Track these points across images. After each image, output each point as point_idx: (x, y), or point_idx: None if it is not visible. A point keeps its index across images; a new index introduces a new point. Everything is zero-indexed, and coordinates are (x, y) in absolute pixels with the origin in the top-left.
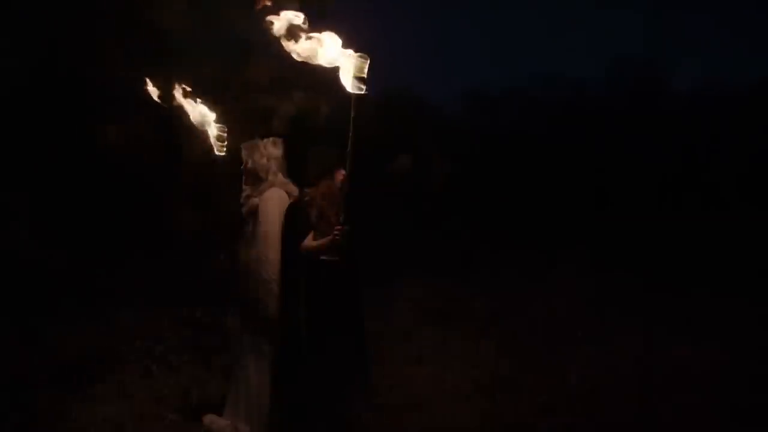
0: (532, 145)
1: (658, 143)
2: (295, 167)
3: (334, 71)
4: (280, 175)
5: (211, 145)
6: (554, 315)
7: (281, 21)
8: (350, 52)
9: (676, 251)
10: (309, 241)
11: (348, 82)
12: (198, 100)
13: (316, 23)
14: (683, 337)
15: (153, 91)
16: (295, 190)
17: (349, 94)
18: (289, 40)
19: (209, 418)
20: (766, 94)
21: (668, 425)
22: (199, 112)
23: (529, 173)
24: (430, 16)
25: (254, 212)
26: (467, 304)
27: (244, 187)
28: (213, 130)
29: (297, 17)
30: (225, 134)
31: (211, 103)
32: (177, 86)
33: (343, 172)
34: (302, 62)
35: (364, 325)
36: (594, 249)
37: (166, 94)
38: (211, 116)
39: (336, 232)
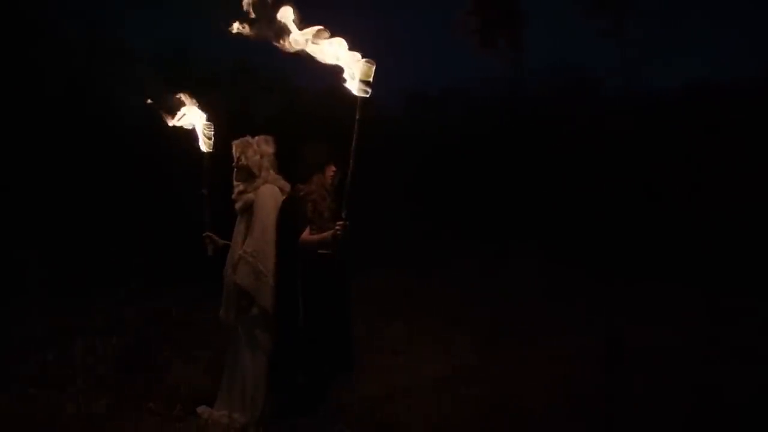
0: (476, 143)
1: (595, 140)
2: (285, 164)
3: None
4: (272, 172)
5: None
6: (515, 306)
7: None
8: (357, 56)
9: (623, 243)
10: (308, 235)
11: (354, 85)
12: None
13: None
14: (639, 323)
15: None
16: (286, 185)
17: (355, 97)
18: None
19: (204, 411)
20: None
21: (631, 406)
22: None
23: (475, 171)
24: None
25: (249, 208)
26: (432, 298)
27: (235, 183)
28: (200, 126)
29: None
30: (212, 131)
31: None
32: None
33: (333, 167)
34: None
35: (351, 316)
36: (544, 242)
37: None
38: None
39: (338, 227)
